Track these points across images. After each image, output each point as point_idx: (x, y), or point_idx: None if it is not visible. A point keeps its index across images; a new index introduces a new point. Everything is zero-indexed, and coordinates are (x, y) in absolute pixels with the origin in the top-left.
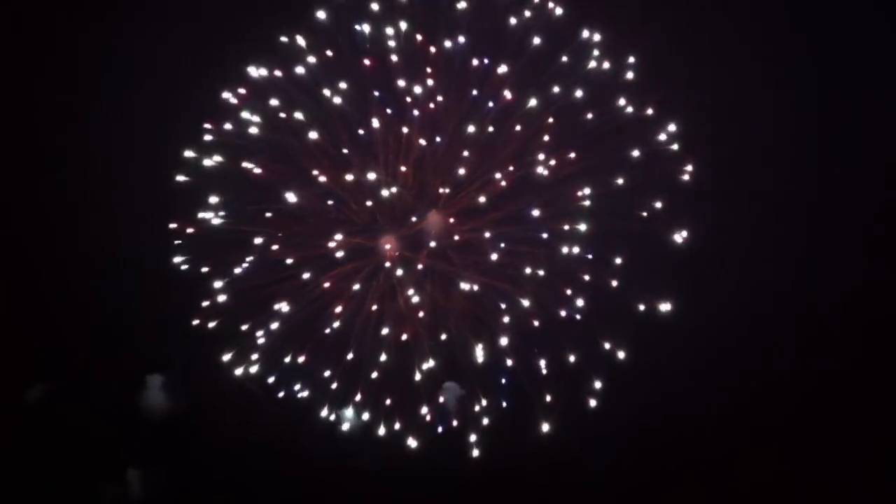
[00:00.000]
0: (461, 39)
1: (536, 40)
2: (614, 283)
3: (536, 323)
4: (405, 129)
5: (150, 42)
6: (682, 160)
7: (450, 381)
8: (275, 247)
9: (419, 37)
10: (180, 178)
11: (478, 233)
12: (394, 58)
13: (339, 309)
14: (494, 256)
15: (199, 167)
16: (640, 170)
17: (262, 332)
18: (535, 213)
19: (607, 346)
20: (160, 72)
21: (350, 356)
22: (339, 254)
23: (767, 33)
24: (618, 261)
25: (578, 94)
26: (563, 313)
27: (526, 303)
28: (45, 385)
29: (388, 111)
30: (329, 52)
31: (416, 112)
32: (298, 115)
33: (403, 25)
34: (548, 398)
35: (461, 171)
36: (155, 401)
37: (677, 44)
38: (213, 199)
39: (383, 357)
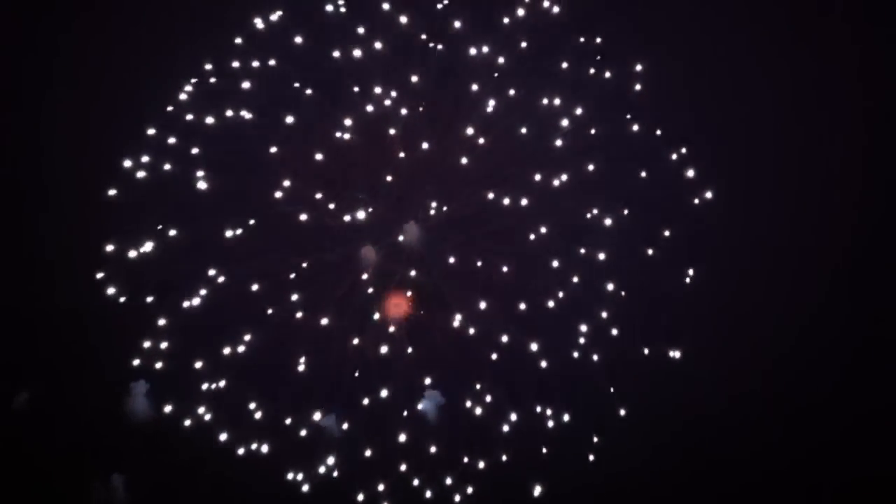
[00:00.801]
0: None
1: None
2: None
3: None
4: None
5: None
6: (696, 186)
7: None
8: (221, 279)
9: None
10: (116, 192)
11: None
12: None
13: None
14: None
15: (140, 179)
16: (646, 195)
17: (215, 376)
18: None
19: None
20: (95, 67)
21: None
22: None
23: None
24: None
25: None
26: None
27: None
28: None
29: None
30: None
31: (403, 111)
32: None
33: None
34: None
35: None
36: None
37: (691, 52)
38: (158, 217)
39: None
